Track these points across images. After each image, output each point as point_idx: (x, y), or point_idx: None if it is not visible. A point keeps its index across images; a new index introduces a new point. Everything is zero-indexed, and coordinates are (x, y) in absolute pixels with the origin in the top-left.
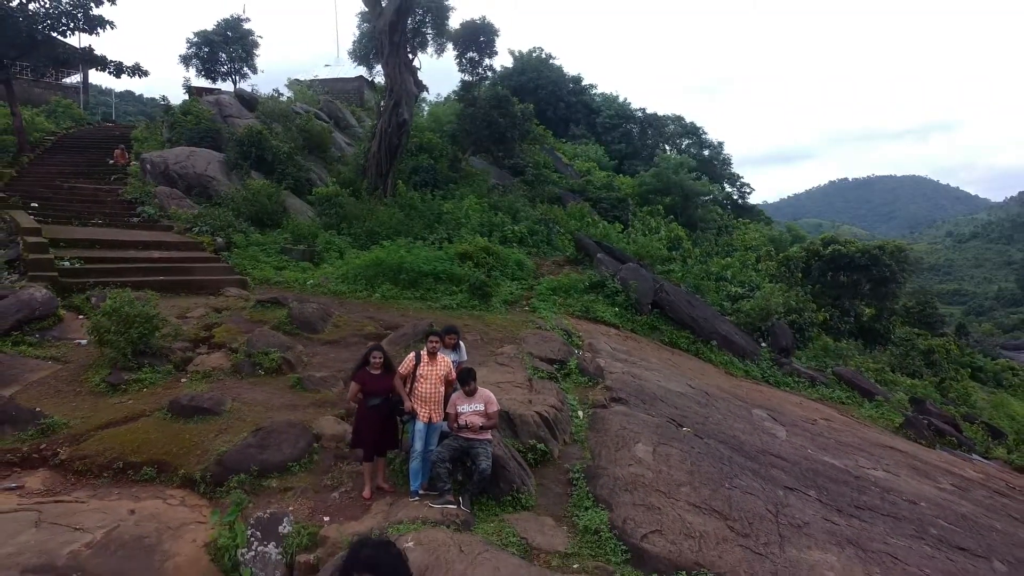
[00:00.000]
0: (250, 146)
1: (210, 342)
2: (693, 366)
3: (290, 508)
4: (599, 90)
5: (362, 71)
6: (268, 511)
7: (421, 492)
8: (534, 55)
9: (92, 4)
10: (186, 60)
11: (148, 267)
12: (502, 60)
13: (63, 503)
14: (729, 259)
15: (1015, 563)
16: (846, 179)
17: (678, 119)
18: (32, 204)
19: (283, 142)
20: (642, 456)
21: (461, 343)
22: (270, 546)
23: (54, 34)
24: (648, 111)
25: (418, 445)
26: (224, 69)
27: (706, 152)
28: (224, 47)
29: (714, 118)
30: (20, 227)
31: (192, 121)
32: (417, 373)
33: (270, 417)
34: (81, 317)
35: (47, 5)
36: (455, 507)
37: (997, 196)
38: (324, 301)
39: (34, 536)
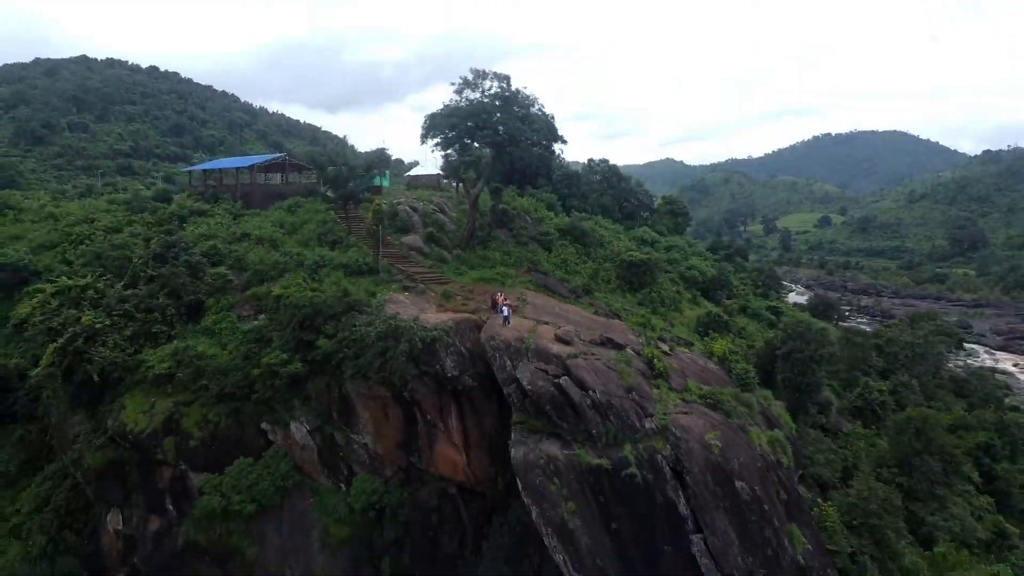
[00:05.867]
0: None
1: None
2: (564, 305)
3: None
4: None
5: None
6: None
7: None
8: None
9: None
10: None
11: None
12: None
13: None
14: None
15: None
16: (829, 134)
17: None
18: None
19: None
20: (533, 314)
21: (500, 295)
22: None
23: None
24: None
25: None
26: None
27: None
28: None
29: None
30: None
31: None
32: (496, 299)
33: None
34: None
35: None
36: None
37: (980, 151)
38: (466, 283)
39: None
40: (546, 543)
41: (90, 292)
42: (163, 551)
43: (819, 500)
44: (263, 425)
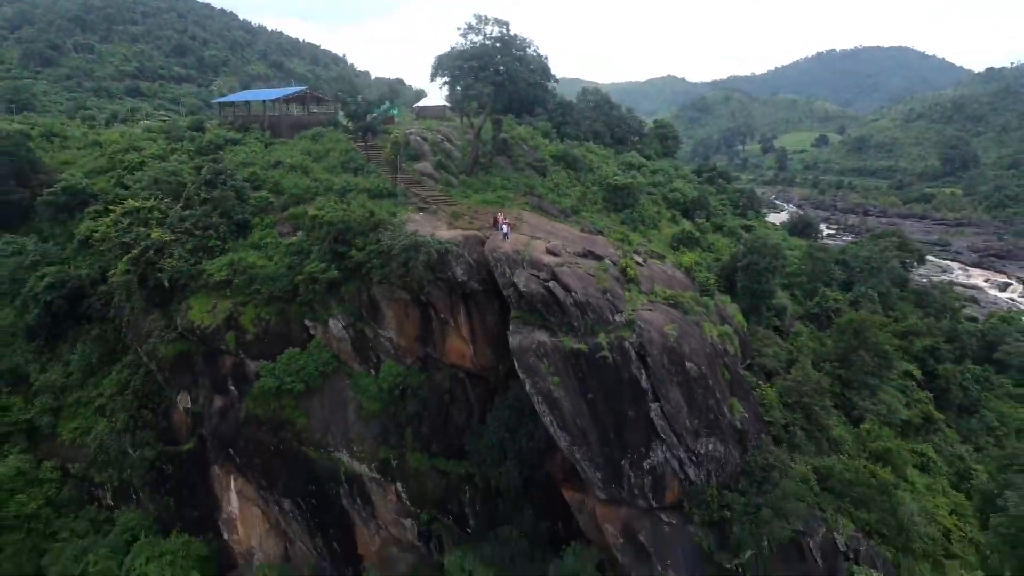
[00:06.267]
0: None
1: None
2: (555, 223)
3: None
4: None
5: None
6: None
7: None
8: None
9: None
10: None
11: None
12: None
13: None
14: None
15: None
16: (833, 50)
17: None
18: None
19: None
20: (528, 231)
21: (500, 215)
22: None
23: None
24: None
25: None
26: None
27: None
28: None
29: None
30: None
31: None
32: (497, 218)
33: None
34: None
35: None
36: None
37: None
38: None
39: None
40: (537, 409)
41: (155, 213)
42: (227, 423)
43: (761, 383)
44: (306, 322)
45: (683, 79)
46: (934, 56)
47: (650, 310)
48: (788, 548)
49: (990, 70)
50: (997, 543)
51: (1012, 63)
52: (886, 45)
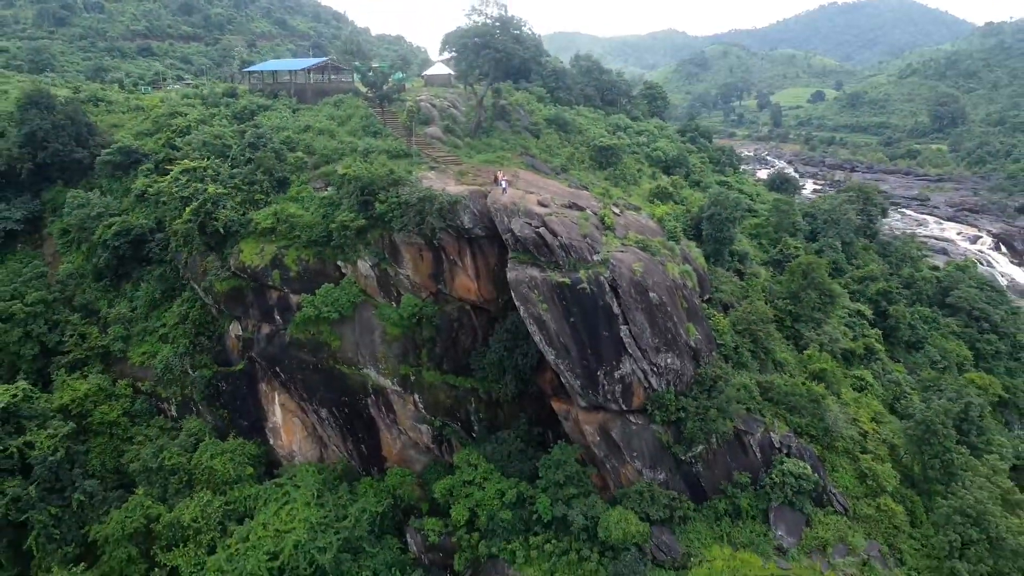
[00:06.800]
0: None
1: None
2: (546, 180)
3: None
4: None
5: (449, 68)
6: None
7: None
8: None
9: None
10: None
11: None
12: None
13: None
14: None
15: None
16: (835, 3)
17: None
18: None
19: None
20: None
21: (500, 173)
22: None
23: None
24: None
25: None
26: None
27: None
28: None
29: None
30: None
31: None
32: (497, 176)
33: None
34: None
35: None
36: None
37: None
38: (475, 164)
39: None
40: (529, 330)
41: (209, 171)
42: (273, 346)
43: (717, 313)
44: (338, 262)
45: (684, 33)
46: (936, 9)
47: (622, 251)
48: (732, 444)
49: (989, 24)
50: (906, 443)
51: (1011, 17)
52: None
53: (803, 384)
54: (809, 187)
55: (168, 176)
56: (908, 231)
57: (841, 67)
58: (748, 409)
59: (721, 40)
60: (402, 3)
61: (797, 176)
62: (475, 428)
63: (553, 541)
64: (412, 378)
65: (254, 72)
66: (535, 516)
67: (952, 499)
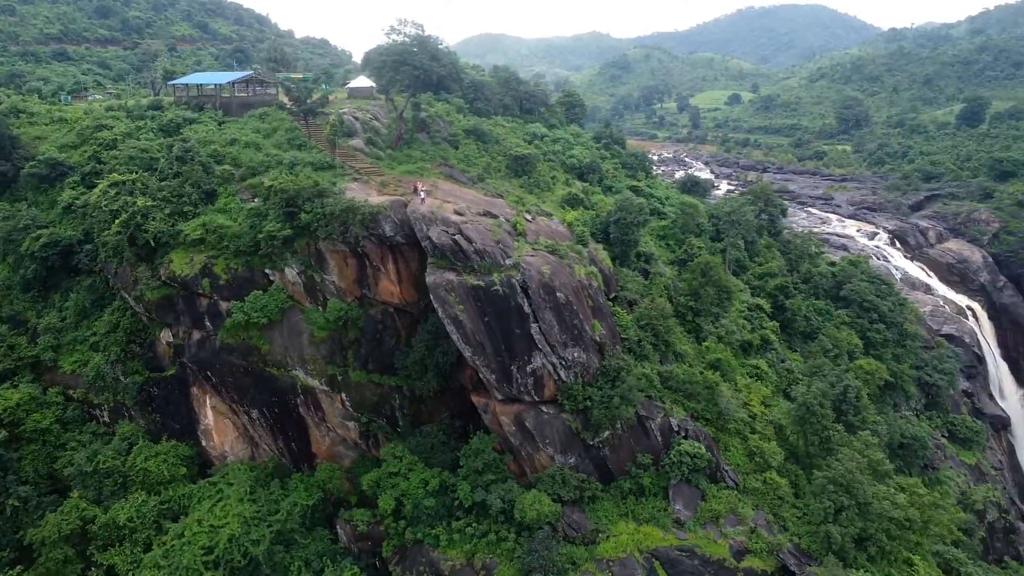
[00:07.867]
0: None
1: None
2: (463, 189)
3: None
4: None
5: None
6: None
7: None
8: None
9: None
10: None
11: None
12: None
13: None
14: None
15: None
16: (752, 8)
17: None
18: None
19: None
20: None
21: (419, 183)
22: None
23: None
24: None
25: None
26: None
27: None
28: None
29: None
30: None
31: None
32: (416, 186)
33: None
34: None
35: None
36: None
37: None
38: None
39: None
40: (448, 330)
41: (138, 184)
42: (204, 351)
43: (621, 310)
44: (266, 270)
45: (608, 35)
46: (846, 14)
47: (532, 255)
48: (636, 428)
49: (892, 30)
50: (790, 423)
51: (912, 24)
52: (802, 2)
53: (700, 373)
54: (724, 188)
55: (96, 189)
56: (812, 229)
57: (757, 70)
58: (649, 397)
59: (644, 43)
60: (326, 3)
61: (713, 177)
62: (400, 423)
63: (474, 524)
64: (339, 378)
65: (179, 85)
66: (456, 502)
67: (827, 470)
